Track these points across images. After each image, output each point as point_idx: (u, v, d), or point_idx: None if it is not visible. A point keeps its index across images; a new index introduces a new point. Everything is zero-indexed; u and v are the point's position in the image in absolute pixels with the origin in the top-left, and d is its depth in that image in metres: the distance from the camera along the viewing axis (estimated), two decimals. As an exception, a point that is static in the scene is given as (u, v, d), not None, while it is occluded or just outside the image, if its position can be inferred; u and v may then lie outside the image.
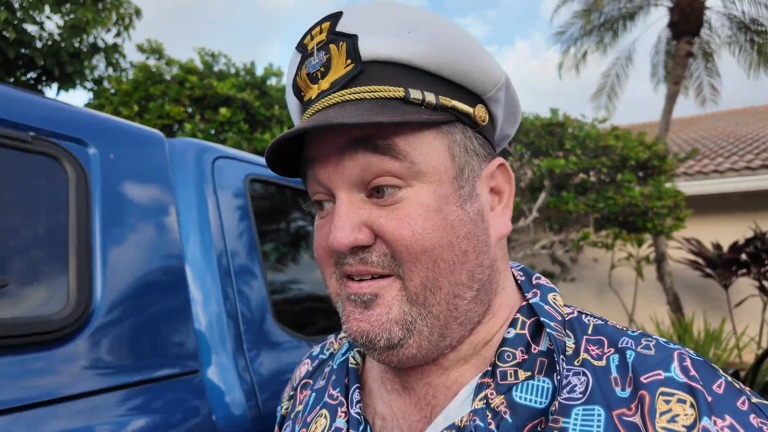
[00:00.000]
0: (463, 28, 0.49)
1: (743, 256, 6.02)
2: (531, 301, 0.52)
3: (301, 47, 0.48)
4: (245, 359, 1.30)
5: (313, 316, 1.72)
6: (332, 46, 0.46)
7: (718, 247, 6.25)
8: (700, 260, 6.32)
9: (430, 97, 0.45)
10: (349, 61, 0.45)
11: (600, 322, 0.52)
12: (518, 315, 0.52)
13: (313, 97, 0.47)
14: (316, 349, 0.72)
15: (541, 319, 0.49)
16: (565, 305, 0.54)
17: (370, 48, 0.45)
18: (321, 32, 0.47)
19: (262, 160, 1.77)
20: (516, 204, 5.31)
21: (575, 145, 4.97)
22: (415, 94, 0.44)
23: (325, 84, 0.46)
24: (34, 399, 0.89)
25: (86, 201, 1.11)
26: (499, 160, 0.52)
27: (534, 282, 0.56)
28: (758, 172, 6.57)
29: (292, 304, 1.66)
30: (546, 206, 5.47)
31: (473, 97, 0.49)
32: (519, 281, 0.56)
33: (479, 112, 0.49)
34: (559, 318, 0.50)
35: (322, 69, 0.46)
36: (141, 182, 1.27)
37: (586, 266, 7.18)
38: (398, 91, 0.44)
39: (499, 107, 0.52)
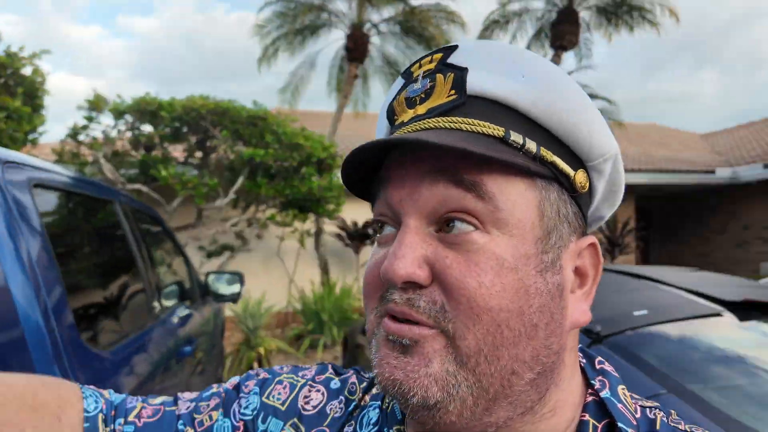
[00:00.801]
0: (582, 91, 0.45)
1: (370, 231, 8.19)
2: (602, 395, 0.45)
3: (407, 74, 0.46)
4: (68, 372, 1.34)
5: (107, 326, 1.74)
6: (439, 75, 0.43)
7: (355, 224, 8.21)
8: (343, 233, 8.18)
9: (531, 145, 0.40)
10: (453, 91, 0.42)
11: (664, 417, 0.46)
12: (587, 415, 0.45)
13: (405, 120, 0.44)
14: (336, 381, 0.58)
15: (619, 424, 0.43)
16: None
17: (477, 82, 0.41)
18: (431, 62, 0.44)
19: (47, 164, 1.61)
20: (214, 184, 5.57)
21: (274, 139, 5.64)
22: (516, 137, 0.40)
23: (422, 109, 0.43)
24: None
25: None
26: (591, 238, 0.45)
27: (598, 367, 0.49)
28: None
29: (90, 314, 1.65)
30: (241, 189, 5.95)
31: (576, 160, 0.44)
32: (581, 364, 0.49)
33: (580, 177, 0.44)
34: (634, 421, 0.44)
35: (423, 95, 0.43)
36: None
37: (261, 238, 8.07)
38: (498, 130, 0.40)
39: (601, 180, 0.46)
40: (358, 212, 8.43)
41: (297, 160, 5.83)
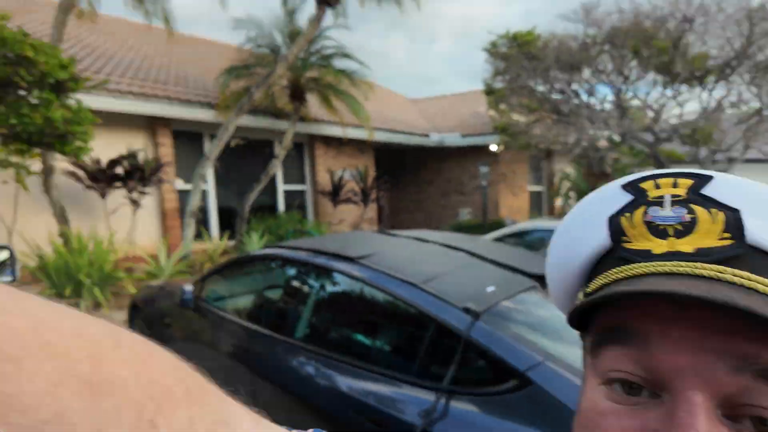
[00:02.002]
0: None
1: (120, 171, 6.64)
2: None
3: (635, 189, 0.38)
4: None
5: None
6: (698, 209, 0.35)
7: (98, 162, 6.51)
8: (81, 173, 6.39)
9: None
10: (727, 235, 0.34)
11: None
12: None
13: (656, 252, 0.36)
14: None
15: None
16: None
17: (758, 231, 0.34)
18: (676, 186, 0.37)
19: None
20: None
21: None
22: None
23: (685, 246, 0.35)
24: None
25: None
26: None
27: None
28: (127, 97, 7.09)
29: None
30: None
31: None
32: None
33: None
34: None
35: (680, 227, 0.35)
36: None
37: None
38: None
39: None
40: (96, 145, 6.72)
41: (27, 80, 4.12)
